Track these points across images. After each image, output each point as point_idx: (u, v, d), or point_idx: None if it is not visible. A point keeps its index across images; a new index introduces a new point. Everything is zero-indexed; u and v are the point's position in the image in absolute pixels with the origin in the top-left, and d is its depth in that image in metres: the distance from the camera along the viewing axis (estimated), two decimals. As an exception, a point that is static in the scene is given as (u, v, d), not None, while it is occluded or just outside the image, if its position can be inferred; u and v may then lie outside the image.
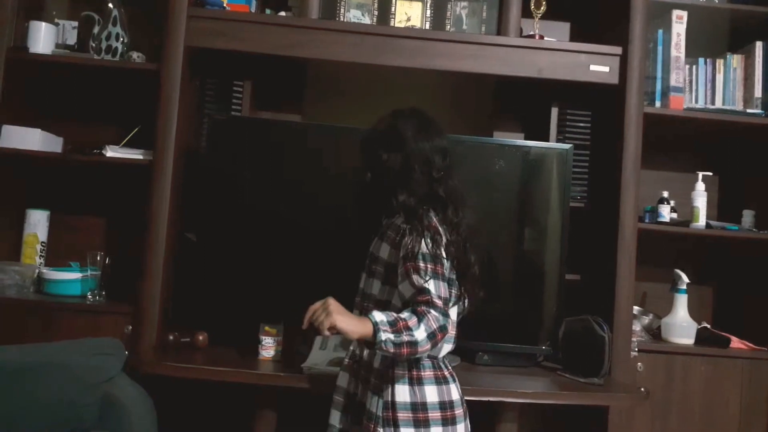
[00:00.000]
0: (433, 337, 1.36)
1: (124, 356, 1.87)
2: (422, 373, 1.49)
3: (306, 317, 1.44)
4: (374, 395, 1.49)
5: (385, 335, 1.34)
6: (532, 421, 2.33)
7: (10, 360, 1.74)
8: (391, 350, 1.35)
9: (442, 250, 1.47)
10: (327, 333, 1.40)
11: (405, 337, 1.34)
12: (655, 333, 2.41)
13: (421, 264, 1.42)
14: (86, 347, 1.83)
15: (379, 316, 1.37)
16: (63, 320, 2.10)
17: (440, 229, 1.50)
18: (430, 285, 1.40)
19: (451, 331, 1.55)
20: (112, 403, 1.73)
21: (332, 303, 1.42)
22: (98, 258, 2.22)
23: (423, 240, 1.44)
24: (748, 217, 2.42)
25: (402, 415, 1.45)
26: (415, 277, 1.41)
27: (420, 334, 1.35)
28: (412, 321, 1.36)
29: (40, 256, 2.37)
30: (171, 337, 2.09)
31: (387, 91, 2.39)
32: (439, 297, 1.41)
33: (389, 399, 1.46)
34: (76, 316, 2.11)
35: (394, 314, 1.39)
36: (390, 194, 1.54)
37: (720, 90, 2.46)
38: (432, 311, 1.37)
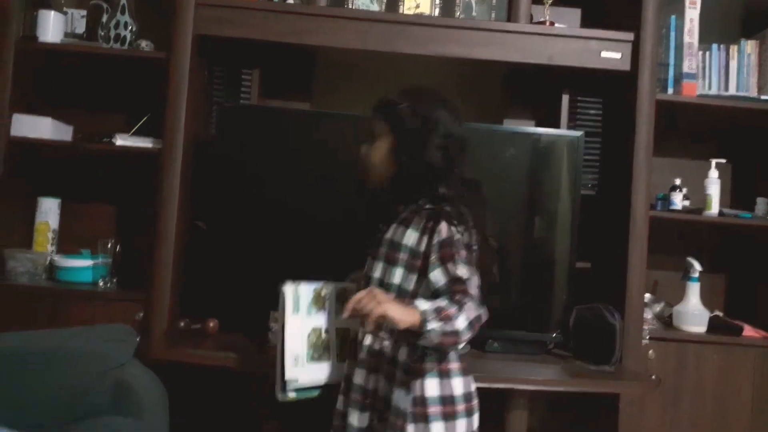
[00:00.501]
0: (472, 327, 1.32)
1: (136, 343, 1.88)
2: (449, 366, 1.45)
3: (349, 306, 1.37)
4: (402, 390, 1.42)
5: (432, 325, 1.30)
6: (542, 409, 2.33)
7: (23, 346, 1.75)
8: (435, 341, 1.31)
9: (473, 240, 1.44)
10: (370, 327, 1.36)
11: (448, 327, 1.30)
12: (666, 321, 2.39)
13: (456, 252, 1.38)
14: (98, 334, 1.84)
15: (424, 304, 1.32)
16: (75, 307, 2.12)
17: (469, 219, 1.46)
18: (465, 274, 1.37)
19: None
20: (124, 389, 1.75)
21: (379, 292, 1.37)
22: (109, 245, 2.23)
23: (457, 228, 1.41)
24: (761, 204, 2.40)
25: (432, 409, 1.41)
26: (449, 266, 1.37)
27: (461, 323, 1.31)
28: (452, 310, 1.31)
29: (52, 243, 2.38)
30: (182, 324, 2.10)
31: (396, 78, 2.36)
32: (473, 287, 1.37)
33: (419, 394, 1.41)
34: (87, 303, 2.13)
35: (436, 303, 1.34)
36: (421, 180, 1.47)
37: (734, 76, 2.42)
38: (468, 301, 1.34)
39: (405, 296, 1.43)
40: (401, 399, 1.41)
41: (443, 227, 1.40)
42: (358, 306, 1.35)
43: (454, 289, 1.35)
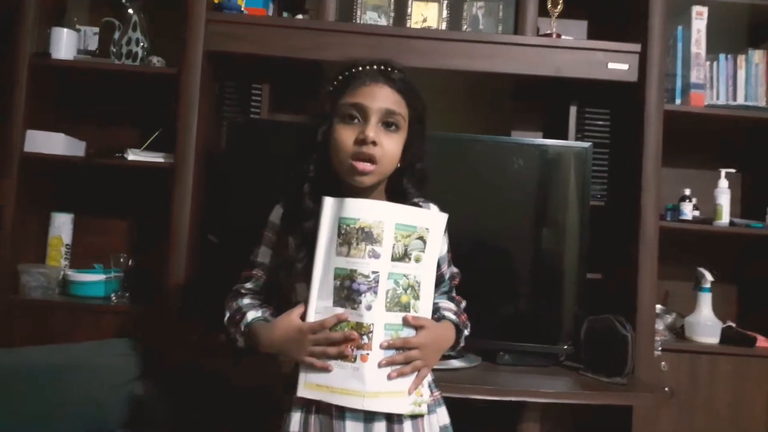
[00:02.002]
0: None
1: (148, 356, 1.89)
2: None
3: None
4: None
5: (466, 331, 1.36)
6: (554, 421, 2.31)
7: (36, 361, 1.77)
8: (462, 345, 1.36)
9: None
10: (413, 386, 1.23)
11: (468, 329, 1.37)
12: (678, 332, 2.38)
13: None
14: (110, 348, 1.86)
15: (450, 315, 1.35)
16: (87, 321, 2.13)
17: None
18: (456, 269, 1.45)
19: None
20: (137, 403, 1.76)
21: (433, 330, 1.24)
22: (121, 260, 2.25)
23: None
24: (772, 214, 2.39)
25: None
26: (452, 264, 1.44)
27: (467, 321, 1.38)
28: (463, 313, 1.38)
29: (65, 258, 2.41)
30: (194, 337, 2.11)
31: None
32: None
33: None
34: (100, 317, 2.14)
35: (450, 307, 1.37)
36: (421, 180, 1.34)
37: (742, 86, 2.42)
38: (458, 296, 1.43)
39: None
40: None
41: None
42: (413, 359, 1.20)
43: (455, 284, 1.43)
